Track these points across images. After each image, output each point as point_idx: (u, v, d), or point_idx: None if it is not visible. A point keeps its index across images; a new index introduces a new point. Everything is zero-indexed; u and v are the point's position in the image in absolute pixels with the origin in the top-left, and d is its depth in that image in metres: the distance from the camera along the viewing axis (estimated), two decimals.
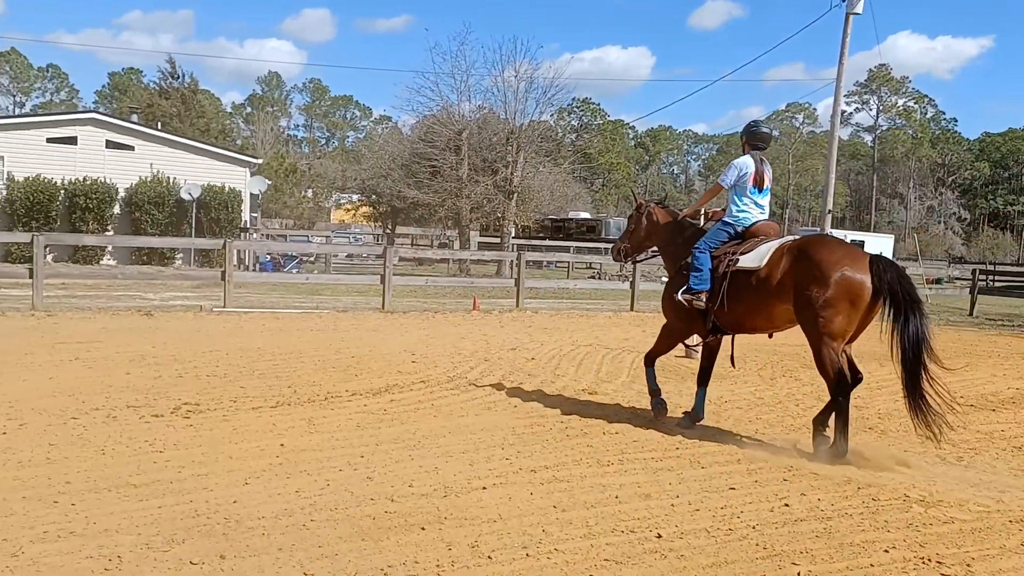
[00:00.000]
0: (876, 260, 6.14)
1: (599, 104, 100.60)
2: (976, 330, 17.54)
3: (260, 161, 36.72)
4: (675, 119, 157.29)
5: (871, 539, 4.44)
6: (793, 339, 12.57)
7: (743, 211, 6.92)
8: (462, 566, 3.83)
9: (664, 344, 7.52)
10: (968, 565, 4.13)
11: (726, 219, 6.99)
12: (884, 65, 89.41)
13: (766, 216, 7.07)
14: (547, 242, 39.80)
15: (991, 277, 35.37)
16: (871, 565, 4.08)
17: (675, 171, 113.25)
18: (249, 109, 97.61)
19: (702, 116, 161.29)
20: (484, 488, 5.00)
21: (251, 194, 30.55)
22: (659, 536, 4.35)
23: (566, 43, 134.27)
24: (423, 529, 4.28)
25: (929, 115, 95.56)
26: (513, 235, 33.81)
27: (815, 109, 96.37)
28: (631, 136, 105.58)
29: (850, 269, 6.02)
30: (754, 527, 4.56)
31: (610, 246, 9.69)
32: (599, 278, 28.98)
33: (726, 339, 7.19)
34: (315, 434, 6.16)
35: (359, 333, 12.06)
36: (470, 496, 4.84)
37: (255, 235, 31.50)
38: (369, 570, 3.75)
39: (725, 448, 6.28)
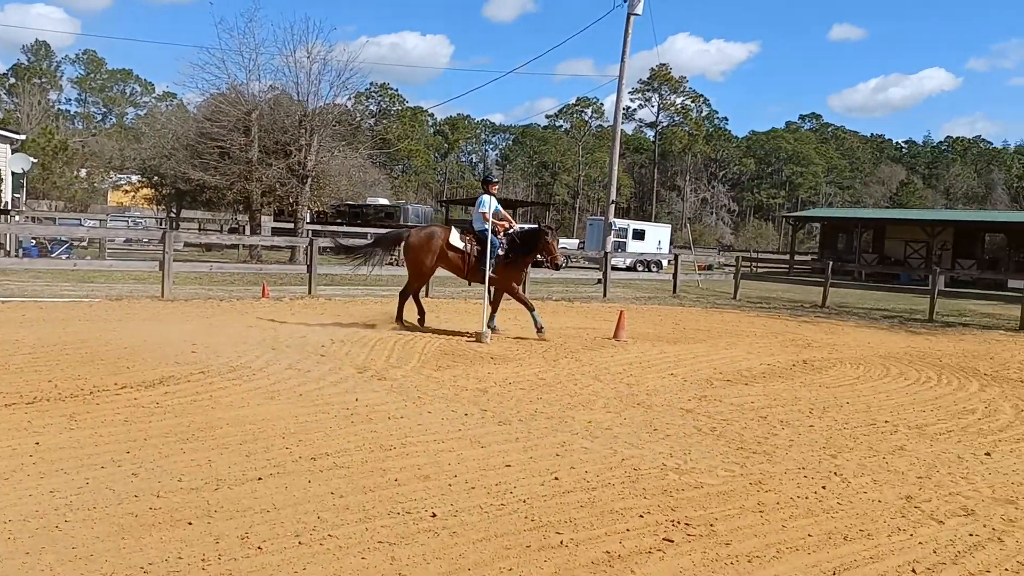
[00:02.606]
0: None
1: (397, 90, 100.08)
2: (737, 312, 19.22)
3: (23, 137, 33.38)
4: (474, 108, 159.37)
5: (629, 506, 4.80)
6: (585, 323, 13.14)
7: None
8: (229, 559, 3.75)
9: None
10: (711, 525, 4.56)
11: None
12: (664, 65, 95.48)
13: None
14: (344, 228, 39.12)
15: (754, 264, 38.83)
16: (627, 530, 4.42)
17: (474, 160, 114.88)
18: (12, 80, 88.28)
19: (499, 106, 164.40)
20: (260, 479, 4.90)
21: (13, 173, 27.73)
22: (434, 515, 4.47)
23: (363, 26, 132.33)
24: (190, 524, 4.14)
25: (704, 113, 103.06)
26: (308, 220, 32.92)
27: (602, 104, 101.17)
28: (430, 124, 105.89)
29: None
30: (525, 501, 4.79)
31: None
32: (398, 265, 28.88)
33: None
34: (76, 431, 5.75)
35: (133, 323, 11.34)
36: (244, 488, 4.73)
37: (17, 217, 28.65)
38: (127, 569, 3.58)
39: (506, 428, 6.53)
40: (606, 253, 22.74)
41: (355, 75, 29.43)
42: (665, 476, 5.43)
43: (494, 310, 12.40)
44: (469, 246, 12.10)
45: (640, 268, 36.98)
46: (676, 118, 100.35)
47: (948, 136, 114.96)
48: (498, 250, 11.95)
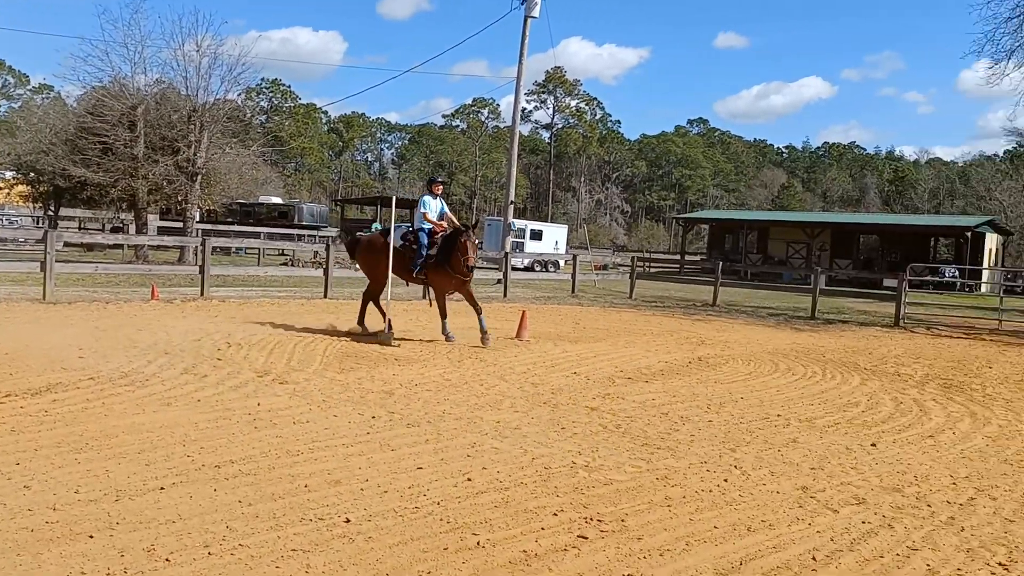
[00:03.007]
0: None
1: (290, 86, 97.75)
2: (634, 311, 19.69)
3: None
4: (369, 106, 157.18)
5: (543, 504, 4.86)
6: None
7: None
8: (136, 572, 3.60)
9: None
10: (623, 520, 4.67)
11: None
12: (559, 68, 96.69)
13: None
14: (236, 227, 38.03)
15: (647, 264, 39.85)
16: (542, 528, 4.47)
17: (369, 158, 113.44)
18: None
19: (395, 105, 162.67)
20: (162, 488, 4.72)
21: None
22: (348, 520, 4.41)
23: (253, 20, 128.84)
24: (91, 537, 3.95)
25: (597, 116, 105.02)
26: (198, 219, 31.77)
27: (499, 105, 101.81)
28: (324, 121, 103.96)
29: None
30: (439, 503, 4.78)
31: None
32: (292, 265, 28.30)
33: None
34: None
35: (13, 327, 10.71)
36: (146, 498, 4.55)
37: None
38: None
39: (415, 430, 6.50)
40: (506, 253, 22.89)
41: (247, 70, 28.62)
42: (576, 474, 5.52)
43: (443, 315, 11.99)
44: (406, 245, 12.05)
45: (538, 268, 37.38)
46: (571, 120, 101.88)
47: (825, 142, 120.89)
48: (426, 250, 11.84)
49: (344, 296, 17.95)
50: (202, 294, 16.08)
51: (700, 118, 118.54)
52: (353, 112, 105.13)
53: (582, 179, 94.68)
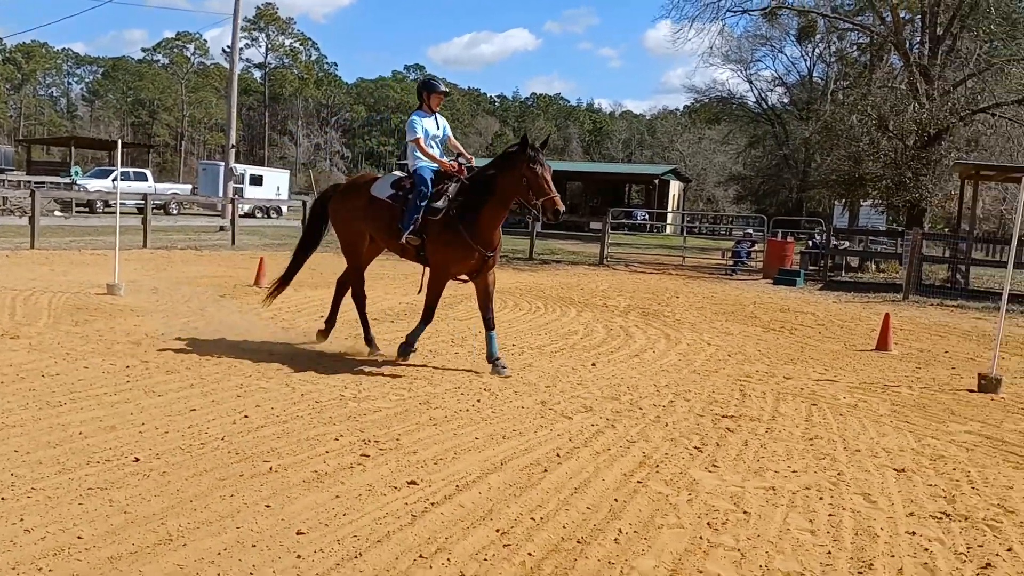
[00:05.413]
0: None
1: None
2: None
3: None
4: (51, 36, 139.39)
5: (323, 432, 5.31)
6: (220, 271, 13.01)
7: None
8: None
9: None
10: (397, 439, 5.26)
11: None
12: (271, 4, 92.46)
13: None
14: None
15: None
16: (327, 452, 4.94)
17: (55, 93, 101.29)
18: None
19: (80, 35, 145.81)
20: None
21: None
22: (136, 460, 4.57)
23: None
24: None
25: (313, 57, 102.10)
26: None
27: (206, 41, 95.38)
28: None
29: None
30: (223, 438, 5.06)
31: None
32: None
33: None
34: None
35: None
36: None
37: None
38: None
39: (176, 376, 6.57)
40: (233, 200, 22.19)
41: None
42: (346, 405, 6.01)
43: (426, 317, 7.70)
44: (400, 194, 7.71)
45: (259, 215, 36.33)
46: (285, 60, 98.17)
47: (533, 92, 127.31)
48: (431, 197, 7.46)
49: (53, 246, 16.55)
50: None
51: (417, 64, 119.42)
52: (34, 41, 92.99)
53: (300, 122, 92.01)
